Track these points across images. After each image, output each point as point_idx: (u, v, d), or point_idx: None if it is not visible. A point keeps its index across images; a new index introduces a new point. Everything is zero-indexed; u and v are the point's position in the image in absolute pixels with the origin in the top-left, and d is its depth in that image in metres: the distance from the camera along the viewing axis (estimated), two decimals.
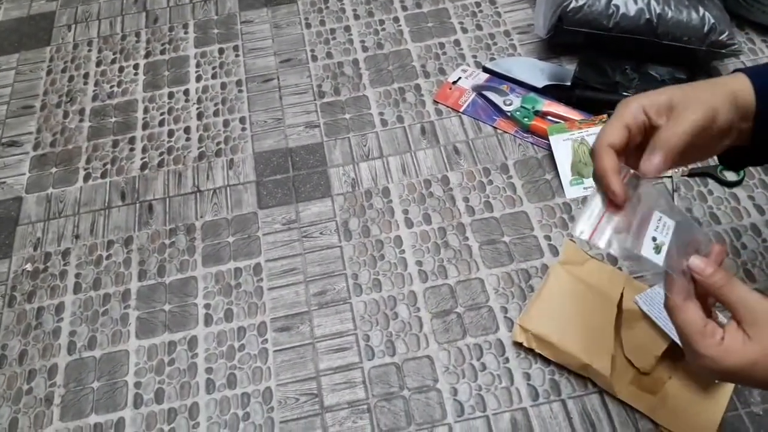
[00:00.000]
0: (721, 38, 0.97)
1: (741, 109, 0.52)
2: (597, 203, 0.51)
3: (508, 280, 0.85)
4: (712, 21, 0.97)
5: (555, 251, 0.86)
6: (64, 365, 0.82)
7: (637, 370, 0.73)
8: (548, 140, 0.95)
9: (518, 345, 0.78)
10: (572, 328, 0.76)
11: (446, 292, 0.84)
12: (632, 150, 0.52)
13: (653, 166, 0.50)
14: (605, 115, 0.96)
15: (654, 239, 0.51)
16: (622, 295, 0.78)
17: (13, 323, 0.86)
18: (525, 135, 0.98)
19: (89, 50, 1.19)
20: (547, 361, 0.77)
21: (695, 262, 0.50)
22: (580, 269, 0.81)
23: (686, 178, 0.92)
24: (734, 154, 0.58)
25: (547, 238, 0.88)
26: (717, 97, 0.51)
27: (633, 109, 0.51)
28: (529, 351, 0.78)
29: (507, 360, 0.78)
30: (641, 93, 0.52)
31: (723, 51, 0.98)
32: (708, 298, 0.51)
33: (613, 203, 0.50)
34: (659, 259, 0.50)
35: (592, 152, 0.52)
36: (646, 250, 0.50)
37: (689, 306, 0.49)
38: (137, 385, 0.80)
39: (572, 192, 0.92)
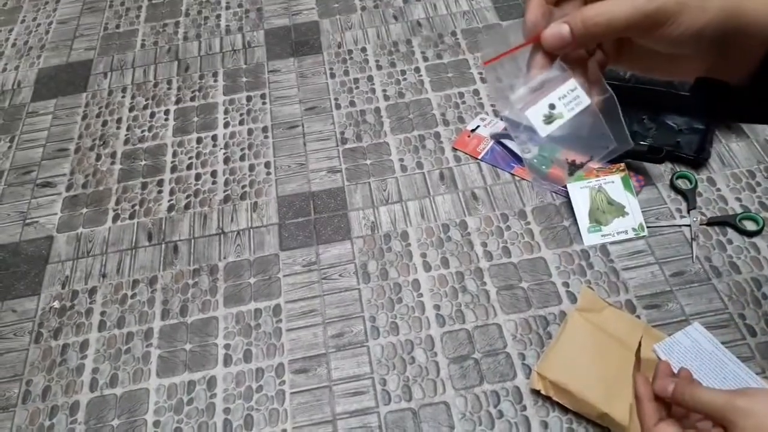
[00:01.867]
0: None
1: (743, 25, 0.37)
2: (515, 34, 0.41)
3: (526, 326, 0.85)
4: None
5: (573, 298, 0.87)
6: (85, 402, 0.84)
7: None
8: (566, 188, 0.96)
9: (536, 392, 0.78)
10: (590, 377, 0.75)
11: (464, 337, 0.85)
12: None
13: (555, 35, 0.38)
14: (623, 164, 0.97)
15: (552, 106, 0.40)
16: (640, 343, 0.77)
17: (39, 359, 0.88)
18: (543, 182, 1.00)
19: (123, 96, 1.25)
20: (564, 409, 0.77)
21: (658, 384, 0.52)
22: (598, 317, 0.81)
23: (705, 227, 0.92)
24: (721, 96, 0.43)
25: (565, 284, 0.88)
26: (697, 3, 0.37)
27: None
28: (547, 399, 0.77)
29: (524, 408, 0.78)
30: None
31: None
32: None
33: (531, 38, 0.40)
34: (543, 130, 0.40)
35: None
36: (533, 113, 0.40)
37: (662, 428, 0.51)
38: (156, 423, 0.81)
39: (590, 239, 0.92)
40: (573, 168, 0.45)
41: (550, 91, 0.40)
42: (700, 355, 0.77)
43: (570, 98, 0.40)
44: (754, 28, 0.37)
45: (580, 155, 0.43)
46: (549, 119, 0.40)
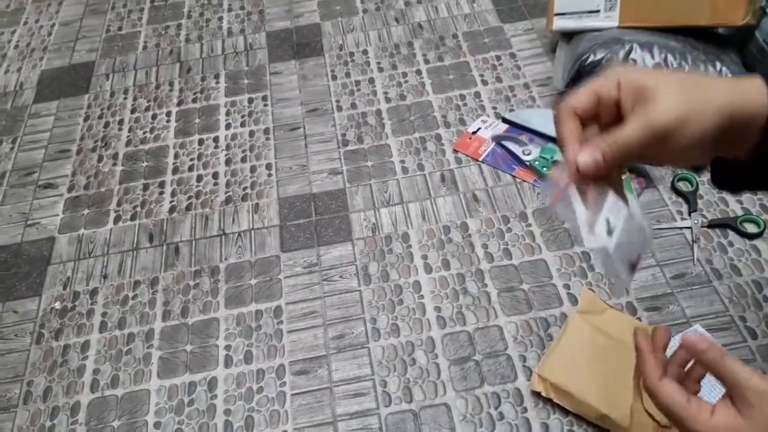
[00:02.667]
0: None
1: (738, 118, 0.44)
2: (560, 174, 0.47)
3: (527, 328, 0.85)
4: (730, 76, 0.98)
5: (574, 300, 0.87)
6: (86, 403, 0.84)
7: (657, 422, 0.72)
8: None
9: (536, 394, 0.78)
10: (591, 379, 0.75)
11: (464, 339, 0.85)
12: (605, 123, 0.47)
13: (587, 160, 0.45)
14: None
15: (608, 221, 0.47)
16: (654, 330, 0.77)
17: (40, 360, 0.88)
18: (544, 184, 1.00)
19: (125, 98, 1.25)
20: (565, 411, 0.77)
21: (689, 338, 0.50)
22: (599, 319, 0.81)
23: (706, 229, 0.92)
24: (729, 170, 0.51)
25: (566, 286, 0.88)
26: (701, 102, 0.44)
27: (609, 79, 0.46)
28: (548, 401, 0.77)
29: (525, 410, 0.78)
30: (629, 66, 0.46)
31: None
32: (692, 374, 0.52)
33: (575, 173, 0.46)
34: (610, 243, 0.46)
35: (555, 115, 0.48)
36: (600, 228, 0.46)
37: (667, 384, 0.49)
38: (157, 425, 0.81)
39: (591, 241, 0.92)
40: (633, 269, 0.50)
41: (600, 210, 0.46)
42: None
43: (615, 209, 0.47)
44: (749, 119, 0.44)
45: (635, 252, 0.49)
46: (610, 232, 0.47)
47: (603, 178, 0.46)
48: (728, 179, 0.53)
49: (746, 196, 0.95)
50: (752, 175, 0.51)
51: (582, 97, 0.47)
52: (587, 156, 0.45)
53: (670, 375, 0.51)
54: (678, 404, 0.48)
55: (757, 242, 0.90)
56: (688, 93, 0.44)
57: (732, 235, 0.91)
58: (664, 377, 0.50)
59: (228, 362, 0.86)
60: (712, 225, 0.92)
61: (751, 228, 0.91)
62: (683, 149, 0.45)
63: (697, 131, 0.43)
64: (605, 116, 0.47)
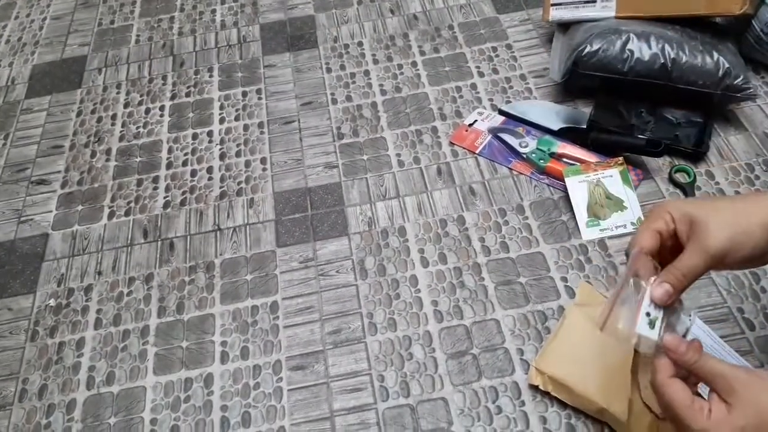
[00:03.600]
0: (736, 82, 0.98)
1: None
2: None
3: (524, 321, 0.84)
4: (727, 66, 0.98)
5: (571, 293, 0.86)
6: (82, 400, 0.83)
7: (655, 415, 0.72)
8: (564, 182, 0.96)
9: (534, 388, 0.78)
10: (589, 372, 0.75)
11: (462, 332, 0.84)
12: (667, 250, 0.57)
13: (660, 293, 0.55)
14: (621, 158, 0.97)
15: (648, 314, 0.56)
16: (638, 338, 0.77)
17: (35, 357, 0.88)
18: (541, 177, 0.99)
19: (118, 92, 1.24)
20: (563, 404, 0.76)
21: (669, 339, 0.53)
22: (597, 311, 0.80)
23: None
24: None
25: (564, 279, 0.88)
26: (747, 225, 0.52)
27: (665, 217, 0.56)
28: (546, 394, 0.77)
29: (523, 403, 0.78)
30: (682, 199, 0.56)
31: (738, 95, 0.99)
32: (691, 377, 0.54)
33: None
34: (654, 334, 0.55)
35: (629, 256, 0.58)
36: (642, 326, 0.55)
37: (675, 382, 0.52)
38: (153, 421, 0.80)
39: (588, 233, 0.92)
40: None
41: (639, 308, 0.56)
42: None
43: (653, 307, 0.56)
44: None
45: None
46: (652, 324, 0.56)
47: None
48: None
49: (744, 188, 0.95)
50: None
51: (648, 238, 0.56)
52: (660, 290, 0.55)
53: (678, 375, 0.53)
54: (683, 403, 0.50)
55: None
56: (735, 218, 0.53)
57: None
58: (674, 377, 0.52)
59: (224, 358, 0.85)
60: None
61: None
62: (741, 264, 0.54)
63: (748, 248, 0.52)
64: (668, 248, 0.57)
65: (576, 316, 0.80)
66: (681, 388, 0.51)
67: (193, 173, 1.08)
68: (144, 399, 0.83)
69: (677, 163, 0.98)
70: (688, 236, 0.54)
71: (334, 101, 1.16)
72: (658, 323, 0.56)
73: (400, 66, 1.20)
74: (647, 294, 0.56)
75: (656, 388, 0.53)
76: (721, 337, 0.79)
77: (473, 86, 1.15)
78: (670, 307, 0.57)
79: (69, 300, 0.93)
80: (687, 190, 0.95)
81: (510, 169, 1.01)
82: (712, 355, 0.54)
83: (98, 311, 0.92)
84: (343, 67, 1.22)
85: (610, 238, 0.91)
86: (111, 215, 1.04)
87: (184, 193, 1.05)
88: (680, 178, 0.97)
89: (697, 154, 0.98)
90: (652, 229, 0.56)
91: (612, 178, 0.95)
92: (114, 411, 0.82)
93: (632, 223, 0.92)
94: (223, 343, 0.87)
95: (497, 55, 1.20)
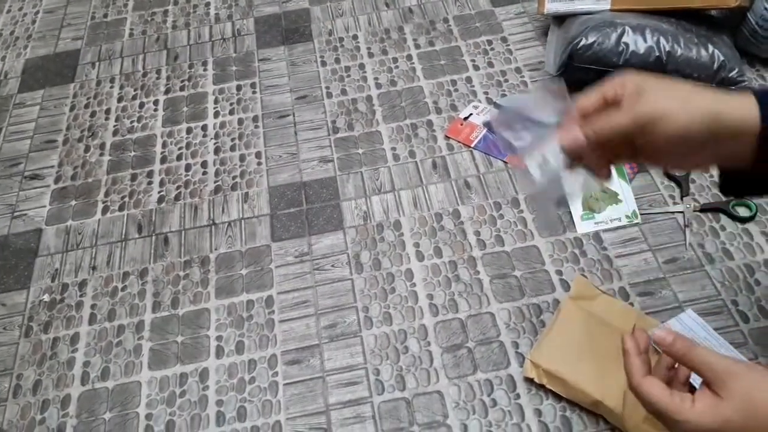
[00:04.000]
0: (731, 75, 0.98)
1: (724, 127, 0.49)
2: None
3: (519, 314, 0.85)
4: (722, 58, 0.98)
5: (566, 286, 0.86)
6: (77, 396, 0.83)
7: None
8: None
9: (529, 381, 0.78)
10: (584, 364, 0.75)
11: (457, 326, 0.84)
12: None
13: (568, 137, 0.52)
14: None
15: (543, 157, 0.55)
16: (633, 330, 0.77)
17: (29, 353, 0.88)
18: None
19: (111, 87, 1.23)
20: (558, 397, 0.76)
21: (658, 333, 0.52)
22: (591, 304, 0.81)
23: (698, 213, 0.92)
24: (736, 179, 0.56)
25: (559, 272, 0.88)
26: (686, 101, 0.49)
27: (617, 83, 0.52)
28: (541, 387, 0.77)
29: (518, 396, 0.78)
30: (639, 74, 0.52)
31: (733, 88, 0.99)
32: (678, 375, 0.54)
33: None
34: (539, 175, 0.55)
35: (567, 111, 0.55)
36: (531, 162, 0.56)
37: (649, 380, 0.51)
38: (148, 416, 0.80)
39: (583, 227, 0.92)
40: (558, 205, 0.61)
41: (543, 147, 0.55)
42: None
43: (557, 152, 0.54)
44: (736, 128, 0.49)
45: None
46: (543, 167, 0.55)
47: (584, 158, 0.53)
48: (734, 186, 0.57)
49: None
50: (757, 182, 0.55)
51: (591, 97, 0.53)
52: (571, 134, 0.52)
53: (657, 376, 0.53)
54: (662, 397, 0.50)
55: (748, 226, 0.90)
56: (676, 92, 0.50)
57: (724, 219, 0.91)
58: (648, 375, 0.52)
59: (219, 353, 0.85)
60: (704, 209, 0.92)
61: (743, 212, 0.91)
62: (667, 140, 0.49)
63: (679, 127, 0.49)
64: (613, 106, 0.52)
65: (571, 309, 0.81)
66: (656, 383, 0.51)
67: (188, 168, 1.07)
68: (139, 394, 0.82)
69: None
70: (629, 102, 0.51)
71: (329, 95, 1.15)
72: (549, 170, 0.55)
73: (395, 59, 1.20)
74: (555, 140, 0.54)
75: (634, 391, 0.53)
76: (716, 329, 0.79)
77: (468, 80, 1.15)
78: (572, 162, 0.54)
79: (63, 295, 0.93)
80: (682, 182, 0.95)
81: (505, 162, 1.01)
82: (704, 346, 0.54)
83: (93, 306, 0.91)
84: (338, 61, 1.21)
85: (605, 231, 0.91)
86: (105, 210, 1.03)
87: (178, 187, 1.05)
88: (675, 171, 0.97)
89: None
90: (598, 91, 0.53)
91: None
92: (109, 406, 0.82)
93: (627, 216, 0.92)
94: (219, 338, 0.86)
95: (492, 49, 1.19)
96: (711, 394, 0.49)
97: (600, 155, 0.53)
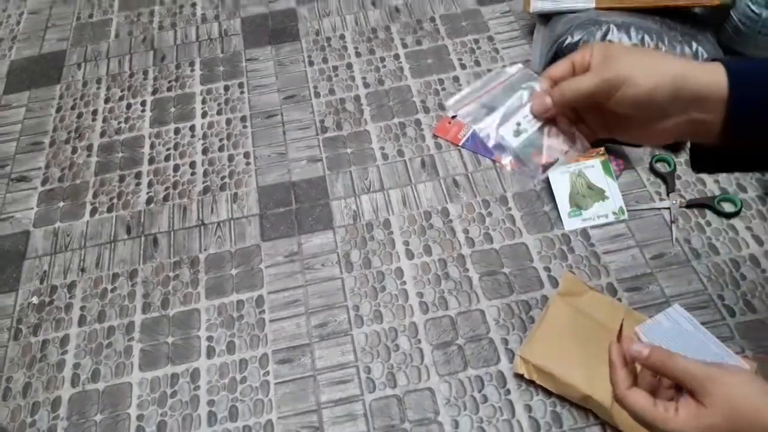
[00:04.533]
0: None
1: (690, 92, 0.49)
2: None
3: (509, 311, 0.85)
4: (706, 56, 0.99)
5: (555, 282, 0.87)
6: (67, 398, 0.83)
7: None
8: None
9: (519, 377, 0.79)
10: (572, 360, 0.76)
11: (447, 323, 0.85)
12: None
13: (538, 104, 0.54)
14: (602, 148, 0.98)
15: (518, 123, 0.56)
16: (621, 326, 0.78)
17: (18, 356, 0.87)
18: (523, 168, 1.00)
19: (98, 88, 1.22)
20: (548, 392, 0.77)
21: (634, 348, 0.53)
22: (580, 300, 0.82)
23: (684, 209, 0.93)
24: (705, 155, 0.56)
25: (547, 269, 0.89)
26: (653, 66, 0.49)
27: (585, 50, 0.53)
28: (531, 383, 0.78)
29: (508, 392, 0.78)
30: (611, 42, 0.52)
31: None
32: (663, 381, 0.54)
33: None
34: (514, 142, 0.56)
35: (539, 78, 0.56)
36: (506, 129, 0.56)
37: (634, 392, 0.52)
38: (139, 417, 0.80)
39: (570, 224, 0.93)
40: (545, 169, 0.58)
41: (514, 115, 0.56)
42: (680, 336, 0.77)
43: (530, 119, 0.56)
44: (701, 93, 0.48)
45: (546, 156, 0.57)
46: (517, 133, 0.56)
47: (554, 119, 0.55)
48: (705, 162, 0.57)
49: (723, 176, 0.96)
50: (726, 158, 0.55)
51: (560, 64, 0.54)
52: (540, 98, 0.54)
53: (642, 385, 0.54)
54: (645, 408, 0.51)
55: (734, 221, 0.91)
56: (643, 57, 0.50)
57: (710, 215, 0.92)
58: (632, 387, 0.52)
59: (210, 353, 0.85)
60: (690, 205, 0.93)
61: (728, 207, 0.92)
62: (633, 103, 0.50)
63: (646, 90, 0.48)
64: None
65: (559, 305, 0.81)
66: (640, 394, 0.52)
67: (176, 168, 1.07)
68: (130, 395, 0.82)
69: (657, 153, 1.00)
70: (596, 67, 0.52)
71: (317, 94, 1.16)
72: (524, 136, 0.56)
73: (382, 59, 1.20)
74: (525, 109, 0.55)
75: (619, 403, 0.53)
76: (702, 323, 0.79)
77: (456, 78, 1.15)
78: (545, 126, 0.56)
79: (52, 297, 0.93)
80: (668, 179, 0.96)
81: (493, 161, 1.02)
82: (683, 354, 0.54)
83: (82, 308, 0.91)
84: (325, 60, 1.21)
85: (592, 227, 0.92)
86: (93, 212, 1.03)
87: (167, 188, 1.04)
88: (661, 167, 0.98)
89: (677, 143, 0.99)
90: (567, 59, 0.54)
91: (593, 168, 0.96)
92: (100, 408, 0.82)
93: (614, 213, 0.93)
94: (209, 338, 0.86)
95: (479, 47, 1.20)
96: (694, 402, 0.49)
97: (569, 119, 0.55)
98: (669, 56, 0.50)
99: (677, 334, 0.77)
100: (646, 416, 0.50)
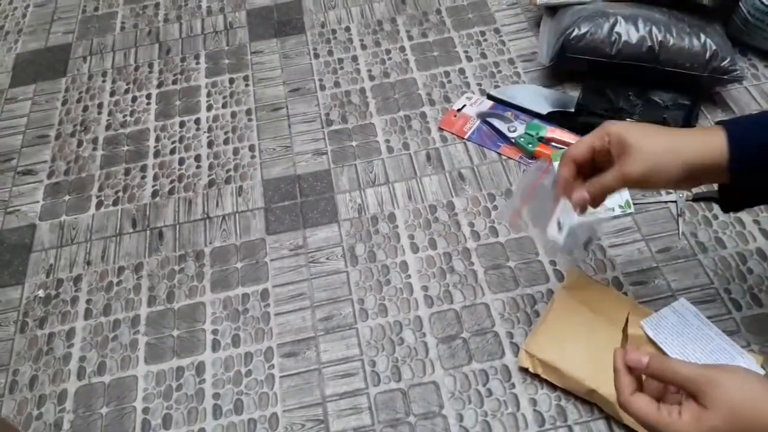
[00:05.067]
0: (723, 65, 0.98)
1: (701, 169, 0.58)
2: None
3: (514, 305, 0.85)
4: (714, 48, 0.98)
5: (560, 276, 0.87)
6: (73, 391, 0.83)
7: None
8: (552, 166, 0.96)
9: (524, 370, 0.78)
10: (578, 354, 0.76)
11: (452, 317, 0.85)
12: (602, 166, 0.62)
13: (577, 198, 0.62)
14: None
15: (559, 221, 0.67)
16: (627, 320, 0.78)
17: (25, 349, 0.88)
18: (529, 161, 1.00)
19: (103, 81, 1.23)
20: (553, 386, 0.77)
21: (632, 357, 0.54)
22: (585, 294, 0.81)
23: (691, 202, 0.92)
24: (730, 194, 0.65)
25: (552, 263, 0.88)
26: (668, 160, 0.58)
27: (602, 134, 0.61)
28: (536, 377, 0.78)
29: (513, 386, 0.78)
30: (626, 122, 0.62)
31: (725, 77, 0.99)
32: (670, 386, 0.55)
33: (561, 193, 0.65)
34: (560, 238, 0.67)
35: (560, 160, 0.64)
36: (552, 228, 0.68)
37: (637, 398, 0.53)
38: (145, 410, 0.81)
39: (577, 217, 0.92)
40: (586, 247, 0.72)
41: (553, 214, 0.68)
42: (686, 330, 0.77)
43: (566, 214, 0.68)
44: (710, 166, 0.58)
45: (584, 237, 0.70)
46: (560, 227, 0.68)
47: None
48: (732, 202, 0.66)
49: None
50: (749, 192, 0.64)
51: (581, 148, 0.62)
52: (578, 195, 0.62)
53: (649, 390, 0.54)
54: (649, 413, 0.51)
55: (741, 215, 0.91)
56: (660, 151, 0.58)
57: (716, 209, 0.92)
58: (636, 392, 0.53)
59: (216, 346, 0.85)
60: (697, 199, 0.93)
61: None
62: (656, 188, 0.64)
63: (663, 180, 0.59)
64: (601, 162, 0.62)
65: (565, 299, 0.81)
66: (643, 399, 0.52)
67: (181, 161, 1.07)
68: (136, 388, 0.83)
69: None
70: (618, 156, 0.60)
71: (323, 87, 1.15)
72: (565, 229, 0.66)
73: (388, 51, 1.20)
74: (562, 203, 0.65)
75: (623, 408, 0.54)
76: (709, 317, 0.80)
77: (461, 71, 1.15)
78: (581, 215, 0.65)
79: (58, 290, 0.93)
80: None
81: (499, 153, 1.02)
82: (680, 359, 0.57)
83: (88, 301, 0.91)
84: (330, 53, 1.21)
85: (598, 221, 0.92)
86: (99, 205, 1.03)
87: (172, 181, 1.04)
88: None
89: None
90: (586, 143, 0.62)
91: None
92: (106, 401, 0.82)
93: (620, 206, 0.92)
94: (215, 332, 0.87)
95: (485, 40, 1.19)
96: (696, 405, 0.50)
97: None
98: (680, 138, 0.59)
99: (683, 328, 0.77)
100: (649, 420, 0.51)
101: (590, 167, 0.63)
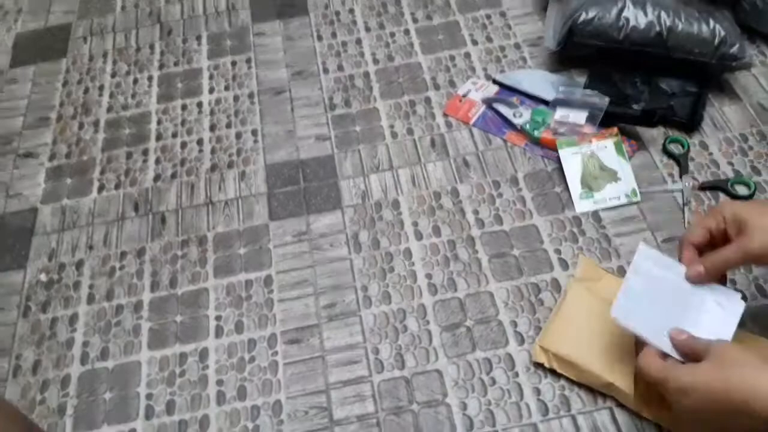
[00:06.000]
0: (731, 51, 0.97)
1: None
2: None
3: (518, 293, 0.85)
4: (723, 33, 0.97)
5: (565, 265, 0.86)
6: (77, 376, 0.83)
7: None
8: (558, 153, 0.95)
9: (527, 359, 0.78)
10: (593, 347, 0.75)
11: (456, 305, 0.85)
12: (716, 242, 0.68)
13: (693, 272, 0.67)
14: (615, 129, 0.96)
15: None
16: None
17: (28, 333, 0.87)
18: (535, 148, 0.99)
19: (104, 62, 1.21)
20: (557, 375, 0.77)
21: (642, 367, 0.65)
22: (598, 285, 0.80)
23: (697, 192, 0.92)
24: None
25: (557, 251, 0.88)
26: None
27: (718, 217, 0.66)
28: (539, 365, 0.78)
29: (517, 374, 0.78)
30: (738, 202, 0.74)
31: (733, 64, 0.98)
32: None
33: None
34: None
35: (679, 244, 0.70)
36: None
37: (645, 352, 0.66)
38: (149, 396, 0.81)
39: (582, 206, 0.91)
40: None
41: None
42: (657, 291, 0.69)
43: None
44: None
45: None
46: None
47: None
48: None
49: (737, 158, 0.95)
50: None
51: (698, 232, 0.68)
52: (694, 269, 0.67)
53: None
54: (657, 365, 0.62)
55: None
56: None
57: (723, 198, 0.91)
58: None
59: (219, 332, 0.85)
60: (704, 187, 0.92)
61: (741, 190, 0.91)
62: None
63: None
64: (719, 242, 0.67)
65: (577, 291, 0.80)
66: (652, 355, 0.64)
67: (183, 145, 1.06)
68: (139, 374, 0.83)
69: (671, 134, 0.98)
70: (736, 235, 0.64)
71: (326, 71, 1.14)
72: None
73: (392, 34, 1.18)
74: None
75: (638, 370, 0.65)
76: None
77: (467, 55, 1.13)
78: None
79: (61, 275, 0.93)
80: (681, 160, 0.94)
81: (504, 140, 1.01)
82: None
83: (90, 286, 0.91)
84: (334, 35, 1.19)
85: (604, 210, 0.91)
86: (101, 188, 1.02)
87: (174, 165, 1.04)
88: (674, 149, 0.96)
89: (691, 124, 0.98)
90: (703, 226, 0.67)
91: (606, 149, 0.95)
92: (109, 386, 0.82)
93: (626, 195, 0.91)
94: (218, 318, 0.86)
95: (491, 23, 1.18)
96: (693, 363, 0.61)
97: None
98: None
99: (654, 290, 0.69)
100: (655, 374, 0.62)
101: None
